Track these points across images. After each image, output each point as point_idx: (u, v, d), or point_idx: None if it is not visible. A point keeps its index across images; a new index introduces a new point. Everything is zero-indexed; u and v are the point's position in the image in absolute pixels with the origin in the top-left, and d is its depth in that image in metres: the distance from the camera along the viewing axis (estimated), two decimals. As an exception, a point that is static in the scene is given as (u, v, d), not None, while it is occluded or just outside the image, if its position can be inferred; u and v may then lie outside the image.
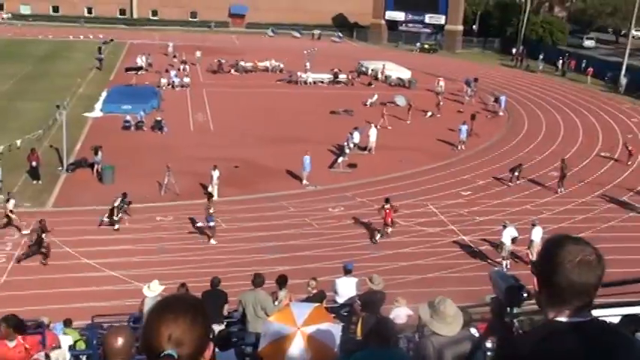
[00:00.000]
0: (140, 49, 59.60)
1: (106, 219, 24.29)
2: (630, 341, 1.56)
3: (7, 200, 24.37)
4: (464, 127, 36.52)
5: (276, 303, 12.11)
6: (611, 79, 56.08)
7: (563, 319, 1.62)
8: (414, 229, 25.44)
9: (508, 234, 22.20)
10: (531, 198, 29.06)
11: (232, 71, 54.94)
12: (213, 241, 23.54)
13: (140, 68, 53.43)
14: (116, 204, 24.40)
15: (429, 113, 42.93)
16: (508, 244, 22.12)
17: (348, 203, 27.87)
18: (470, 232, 25.20)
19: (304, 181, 29.83)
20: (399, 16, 75.61)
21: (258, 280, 12.15)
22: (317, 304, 5.76)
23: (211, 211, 23.44)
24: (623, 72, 55.35)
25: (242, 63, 55.88)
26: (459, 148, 36.13)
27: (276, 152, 33.55)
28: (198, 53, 58.29)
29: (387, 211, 24.13)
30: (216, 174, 28.00)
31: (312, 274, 15.69)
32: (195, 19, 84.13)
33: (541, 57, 63.71)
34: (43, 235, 21.47)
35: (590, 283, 1.63)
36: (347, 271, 13.77)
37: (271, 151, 33.91)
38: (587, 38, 75.88)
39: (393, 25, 76.49)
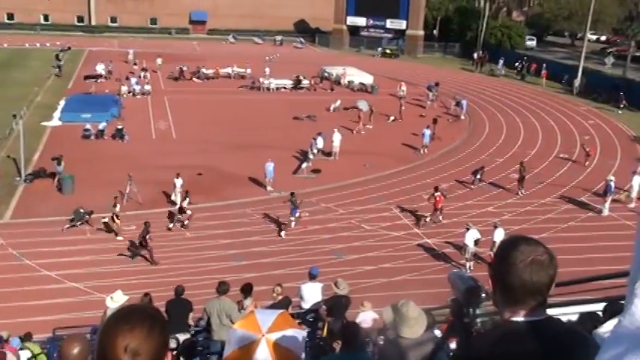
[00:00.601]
0: (99, 57, 58.81)
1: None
2: (585, 339, 1.61)
3: None
4: (427, 131, 36.90)
5: (242, 311, 12.05)
6: (568, 82, 57.35)
7: (518, 318, 1.66)
8: (378, 233, 25.58)
9: (471, 236, 22.50)
10: (493, 200, 29.47)
11: (194, 78, 54.58)
12: (283, 234, 24.94)
13: (99, 76, 52.72)
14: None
15: (392, 118, 43.27)
16: (471, 246, 22.41)
17: (313, 209, 27.89)
18: (434, 234, 25.45)
19: (268, 188, 29.76)
20: (360, 21, 76.11)
21: (222, 288, 12.09)
22: (282, 311, 5.76)
23: (298, 202, 25.53)
24: (579, 75, 56.67)
25: (204, 70, 55.57)
26: (422, 152, 36.48)
27: (240, 159, 33.42)
28: (159, 60, 57.78)
29: (438, 198, 26.18)
30: (179, 182, 27.76)
31: (277, 281, 15.66)
32: (155, 26, 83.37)
33: (501, 61, 64.81)
34: (147, 237, 22.36)
35: (542, 282, 1.68)
36: (312, 277, 13.78)
37: (235, 157, 33.76)
38: (529, 39, 77.58)
39: (354, 30, 76.95)
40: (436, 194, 26.48)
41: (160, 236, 24.41)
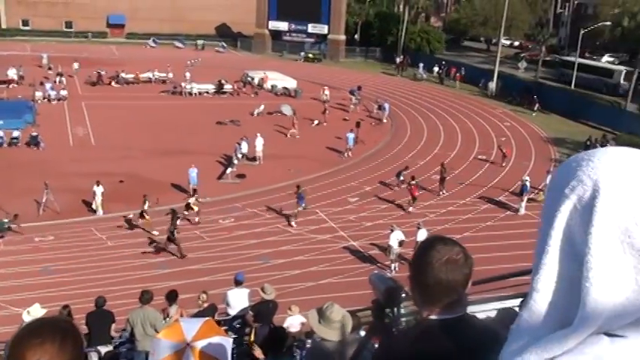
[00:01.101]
0: (10, 61, 56.32)
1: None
2: (496, 335, 1.67)
3: None
4: (350, 135, 37.33)
5: (167, 319, 11.84)
6: (484, 86, 59.37)
7: (434, 316, 1.71)
8: (305, 236, 25.68)
9: (395, 237, 22.91)
10: (416, 201, 30.07)
11: (113, 83, 53.21)
12: (293, 223, 26.44)
13: (11, 81, 50.63)
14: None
15: (316, 122, 43.54)
16: (395, 247, 22.81)
17: (239, 214, 27.72)
18: (359, 237, 25.76)
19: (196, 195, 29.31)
20: (282, 26, 76.22)
21: (146, 297, 11.84)
22: (207, 318, 5.70)
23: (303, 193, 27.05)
24: (495, 78, 58.78)
25: (123, 74, 54.27)
26: (346, 155, 36.87)
27: (162, 165, 32.81)
28: (75, 65, 56.03)
29: (413, 187, 28.96)
30: (99, 190, 27.01)
31: (203, 288, 15.47)
32: (70, 30, 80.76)
33: (421, 65, 66.37)
34: (175, 230, 23.01)
35: (457, 280, 1.74)
36: (238, 283, 13.69)
37: (158, 164, 33.12)
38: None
39: (276, 34, 76.98)
40: (412, 183, 29.12)
41: (79, 246, 23.67)
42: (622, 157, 1.06)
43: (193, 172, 29.31)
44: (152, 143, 36.66)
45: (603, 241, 1.00)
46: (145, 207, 25.60)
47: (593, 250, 1.00)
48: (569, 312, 1.02)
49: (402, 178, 31.82)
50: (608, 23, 57.89)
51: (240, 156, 33.68)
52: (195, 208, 26.74)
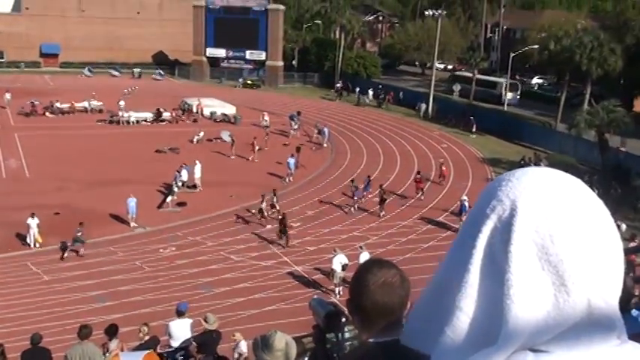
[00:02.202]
0: (-62, 93, 54.38)
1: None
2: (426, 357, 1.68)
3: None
4: (291, 160, 37.40)
5: (107, 354, 11.49)
6: (421, 108, 60.57)
7: (372, 339, 1.72)
8: (248, 263, 25.45)
9: (338, 261, 22.93)
10: (358, 225, 30.30)
11: (47, 113, 51.85)
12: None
13: (-61, 113, 48.77)
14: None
15: (256, 148, 43.34)
16: (339, 271, 22.82)
17: (180, 243, 27.29)
18: (303, 262, 25.69)
19: (132, 224, 28.78)
20: (220, 52, 76.13)
21: (84, 332, 11.47)
22: (148, 351, 5.56)
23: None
24: (430, 101, 60.18)
25: (57, 104, 52.97)
26: (288, 180, 36.88)
27: (100, 196, 32.04)
28: (7, 95, 54.40)
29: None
30: (34, 222, 26.17)
31: (144, 320, 15.10)
32: (2, 60, 78.60)
33: (358, 90, 67.31)
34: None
35: (393, 302, 1.75)
36: (180, 313, 13.42)
37: (96, 194, 32.33)
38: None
39: (214, 61, 76.81)
40: (417, 177, 34.77)
41: (14, 282, 22.78)
42: (539, 177, 1.08)
43: (132, 202, 28.77)
44: (89, 174, 35.80)
45: (522, 259, 1.02)
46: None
47: (512, 268, 1.02)
48: (493, 330, 1.02)
49: (364, 193, 33.01)
50: (536, 47, 60.12)
51: (180, 184, 33.26)
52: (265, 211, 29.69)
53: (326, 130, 47.28)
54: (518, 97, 65.70)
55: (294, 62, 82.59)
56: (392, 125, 54.84)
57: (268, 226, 28.98)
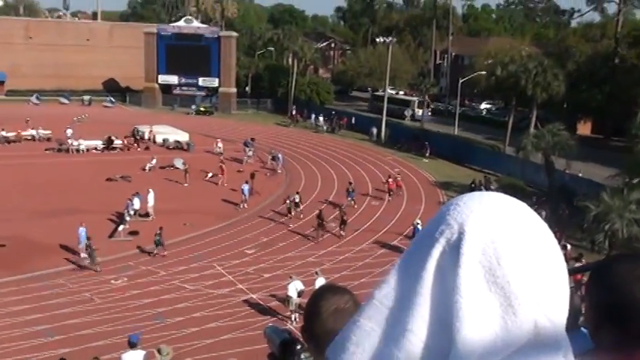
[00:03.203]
0: None
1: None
2: None
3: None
4: (245, 187, 37.26)
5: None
6: (373, 133, 61.20)
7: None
8: (202, 292, 25.10)
9: (294, 287, 22.80)
10: (313, 250, 30.26)
11: (-7, 142, 50.57)
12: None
13: None
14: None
15: (210, 174, 43.16)
16: (295, 298, 22.68)
17: (132, 273, 26.77)
18: (258, 289, 25.48)
19: (82, 254, 28.10)
20: (172, 79, 75.71)
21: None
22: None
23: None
24: (383, 126, 60.97)
25: (3, 133, 51.71)
26: (242, 207, 36.70)
27: (49, 226, 31.20)
28: (-50, 124, 52.86)
29: (390, 182, 38.83)
30: (-22, 255, 25.29)
31: (95, 353, 14.70)
32: (-56, 88, 76.56)
33: (313, 116, 67.83)
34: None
35: None
36: (132, 345, 13.14)
37: (44, 225, 31.46)
38: (488, 103, 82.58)
39: (166, 88, 76.31)
40: (389, 180, 39.32)
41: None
42: (485, 201, 1.10)
43: (83, 232, 28.14)
44: (38, 204, 34.89)
45: (470, 281, 1.04)
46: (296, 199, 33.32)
47: (461, 290, 1.03)
48: (444, 352, 1.03)
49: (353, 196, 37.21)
50: (484, 73, 61.68)
51: (132, 212, 32.76)
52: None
53: (280, 156, 47.32)
54: (429, 113, 72.09)
55: (247, 88, 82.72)
56: (345, 151, 55.25)
57: (291, 225, 33.35)
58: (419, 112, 71.52)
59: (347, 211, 33.94)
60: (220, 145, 50.24)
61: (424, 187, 43.66)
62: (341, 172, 47.05)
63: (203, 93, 76.80)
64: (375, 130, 61.05)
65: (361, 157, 52.55)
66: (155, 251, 28.65)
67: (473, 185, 40.80)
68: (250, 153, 49.40)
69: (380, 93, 76.72)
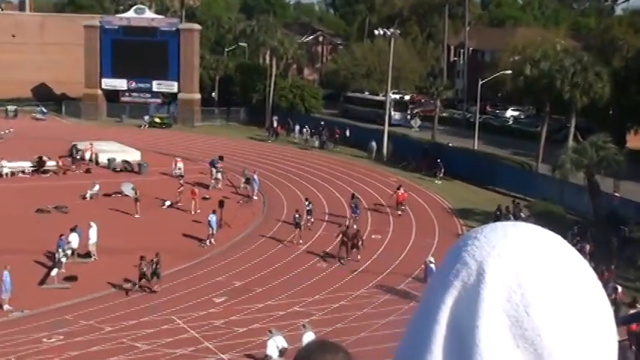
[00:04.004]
0: None
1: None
2: None
3: None
4: (212, 217, 37.13)
5: None
6: (372, 149, 61.28)
7: None
8: (159, 352, 24.91)
9: (274, 345, 22.67)
10: (298, 297, 30.14)
11: None
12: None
13: None
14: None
15: (167, 203, 43.03)
16: (275, 357, 22.54)
17: (70, 329, 26.55)
18: (229, 348, 25.33)
19: (5, 306, 27.96)
20: (119, 84, 75.84)
21: None
22: None
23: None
24: (385, 140, 61.16)
25: None
26: (208, 243, 36.55)
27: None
28: None
29: (400, 194, 42.79)
30: None
31: None
32: None
33: (297, 128, 67.99)
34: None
35: None
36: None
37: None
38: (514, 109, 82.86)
39: (112, 95, 76.37)
40: (399, 192, 43.04)
41: None
42: (511, 234, 1.10)
43: (6, 277, 27.99)
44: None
45: (492, 335, 1.04)
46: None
47: (482, 346, 1.03)
48: None
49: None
50: (509, 72, 62.16)
51: (69, 252, 32.60)
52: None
53: (256, 178, 47.28)
54: (408, 117, 73.53)
55: (213, 94, 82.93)
56: (338, 171, 55.26)
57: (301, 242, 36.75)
58: (396, 115, 72.82)
59: (347, 230, 36.11)
60: (180, 165, 50.15)
61: (437, 216, 43.72)
62: (333, 197, 47.02)
63: (159, 100, 76.87)
64: (374, 145, 61.27)
65: (358, 179, 52.58)
66: (149, 285, 28.95)
67: (498, 213, 40.90)
68: (219, 175, 49.30)
69: (352, 94, 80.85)
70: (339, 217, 42.15)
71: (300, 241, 37.47)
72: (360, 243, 35.30)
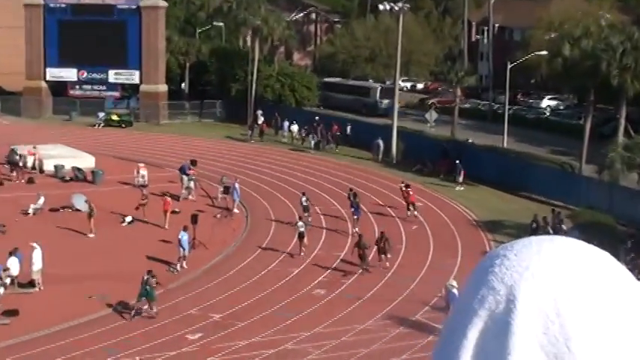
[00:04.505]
0: None
1: None
2: None
3: None
4: (184, 236, 36.83)
5: None
6: (379, 149, 60.92)
7: None
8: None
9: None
10: (291, 332, 29.91)
11: None
12: None
13: None
14: None
15: (129, 219, 42.79)
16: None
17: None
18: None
19: None
20: (68, 74, 75.67)
21: None
22: None
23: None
24: (393, 138, 60.94)
25: None
26: (179, 267, 36.29)
27: None
28: None
29: (411, 192, 45.37)
30: None
31: None
32: None
33: (286, 124, 67.71)
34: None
35: None
36: None
37: None
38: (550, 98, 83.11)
39: (60, 88, 76.23)
40: (409, 189, 45.55)
41: None
42: (548, 250, 1.09)
43: None
44: None
45: None
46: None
47: None
48: None
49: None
50: (544, 53, 62.02)
51: (7, 281, 32.39)
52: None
53: (237, 186, 47.01)
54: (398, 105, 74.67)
55: (183, 85, 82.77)
56: (338, 177, 55.02)
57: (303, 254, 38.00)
58: (383, 102, 76.39)
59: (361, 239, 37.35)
60: (144, 172, 49.87)
61: (460, 230, 43.46)
62: (333, 209, 46.79)
63: (116, 94, 76.73)
64: (381, 144, 60.92)
65: (360, 185, 52.22)
66: (142, 308, 29.30)
67: (535, 225, 40.73)
68: (191, 184, 49.06)
69: (332, 80, 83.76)
70: (342, 233, 41.99)
71: (303, 253, 38.13)
72: (388, 246, 37.09)
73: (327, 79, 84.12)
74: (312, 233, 41.25)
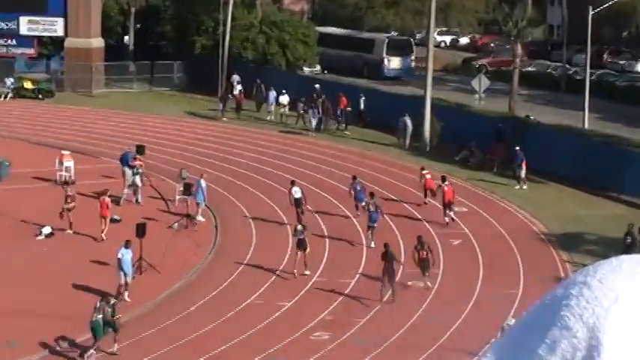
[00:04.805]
0: None
1: None
2: None
3: None
4: (127, 255, 36.66)
5: None
6: (405, 130, 60.62)
7: None
8: None
9: None
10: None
11: None
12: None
13: None
14: None
15: (47, 230, 42.65)
16: None
17: None
18: None
19: None
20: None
21: None
22: None
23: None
24: (426, 115, 60.73)
25: None
26: (121, 298, 36.08)
27: None
28: None
29: (428, 178, 49.05)
30: None
31: None
32: None
33: (273, 95, 67.47)
34: None
35: None
36: None
37: None
38: None
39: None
40: (427, 175, 49.25)
41: None
42: None
43: None
44: None
45: None
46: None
47: None
48: None
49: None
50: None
51: None
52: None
53: (203, 184, 46.89)
54: (412, 64, 77.53)
55: (127, 40, 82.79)
56: (346, 169, 54.91)
57: (307, 272, 39.60)
58: (393, 62, 77.80)
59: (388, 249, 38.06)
60: (69, 164, 49.80)
61: (522, 247, 43.30)
62: (336, 216, 46.61)
63: (31, 51, 76.76)
64: (409, 124, 60.55)
65: (381, 182, 52.25)
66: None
67: (629, 240, 40.63)
68: (136, 180, 48.93)
69: (323, 29, 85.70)
70: (351, 247, 41.87)
71: (306, 272, 38.96)
72: (431, 257, 38.79)
73: (321, 29, 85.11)
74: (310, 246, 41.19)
